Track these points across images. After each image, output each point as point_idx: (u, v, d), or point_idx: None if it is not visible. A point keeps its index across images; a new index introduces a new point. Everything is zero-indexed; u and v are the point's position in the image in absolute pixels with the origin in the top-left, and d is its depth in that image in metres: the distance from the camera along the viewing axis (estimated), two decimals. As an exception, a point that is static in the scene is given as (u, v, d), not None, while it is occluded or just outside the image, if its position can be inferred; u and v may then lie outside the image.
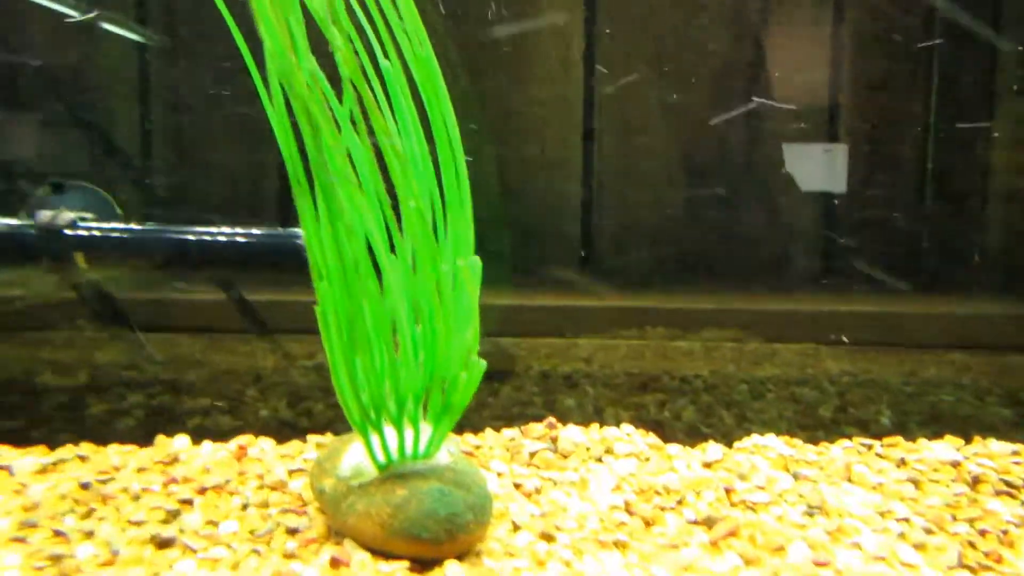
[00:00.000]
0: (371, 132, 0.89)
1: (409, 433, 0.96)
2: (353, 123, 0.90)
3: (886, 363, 2.01)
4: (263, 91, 0.90)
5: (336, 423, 1.55)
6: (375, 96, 0.89)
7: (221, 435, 1.39)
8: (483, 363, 0.96)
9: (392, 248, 0.93)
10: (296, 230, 1.30)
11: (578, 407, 1.60)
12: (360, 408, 0.94)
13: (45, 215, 1.21)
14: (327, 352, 0.95)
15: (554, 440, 1.29)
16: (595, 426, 1.37)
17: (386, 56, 0.94)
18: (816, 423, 1.58)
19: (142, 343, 1.75)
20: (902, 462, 1.22)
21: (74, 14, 1.43)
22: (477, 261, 0.97)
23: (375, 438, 0.95)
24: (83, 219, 1.24)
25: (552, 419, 1.36)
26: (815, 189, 2.16)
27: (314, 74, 0.86)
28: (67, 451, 1.21)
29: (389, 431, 0.96)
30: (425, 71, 0.94)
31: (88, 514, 1.00)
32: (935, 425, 1.57)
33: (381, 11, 0.92)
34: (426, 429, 0.99)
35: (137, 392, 1.58)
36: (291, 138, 0.90)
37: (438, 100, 0.95)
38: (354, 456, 1.00)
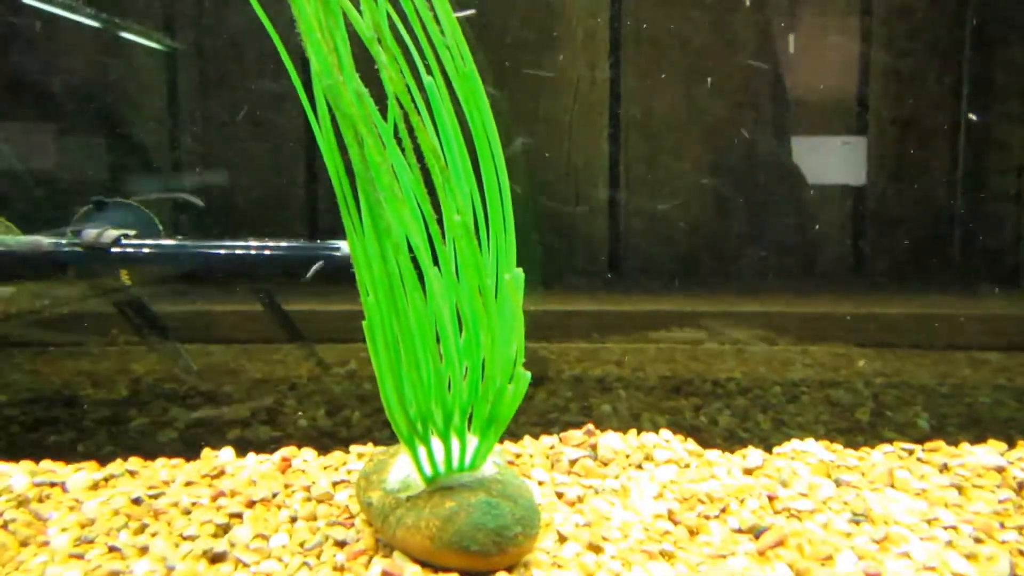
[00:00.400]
0: (416, 146, 0.90)
1: (456, 445, 0.97)
2: (398, 140, 0.90)
3: (919, 363, 2.00)
4: (310, 111, 0.91)
5: (375, 431, 1.56)
6: (419, 112, 0.90)
7: (262, 446, 1.40)
8: (528, 375, 0.96)
9: (436, 260, 0.94)
10: (333, 242, 1.31)
11: (614, 412, 1.60)
12: (408, 422, 0.95)
13: (90, 233, 1.23)
14: (374, 366, 0.96)
15: (593, 447, 1.29)
16: (633, 432, 1.37)
17: (429, 72, 0.95)
18: (854, 426, 1.57)
19: (179, 353, 1.77)
20: (945, 467, 1.21)
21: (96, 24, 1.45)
22: (520, 273, 0.98)
23: (423, 451, 0.96)
24: (126, 236, 1.26)
25: (591, 426, 1.37)
26: (833, 183, 2.15)
27: (360, 93, 0.87)
28: (117, 466, 1.23)
29: (435, 442, 0.97)
30: (468, 86, 0.95)
31: (141, 529, 1.02)
32: (975, 428, 1.56)
33: (424, 27, 0.93)
34: (471, 440, 0.99)
35: (177, 404, 1.60)
36: (337, 156, 0.91)
37: (480, 114, 0.95)
38: (401, 469, 1.01)
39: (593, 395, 1.78)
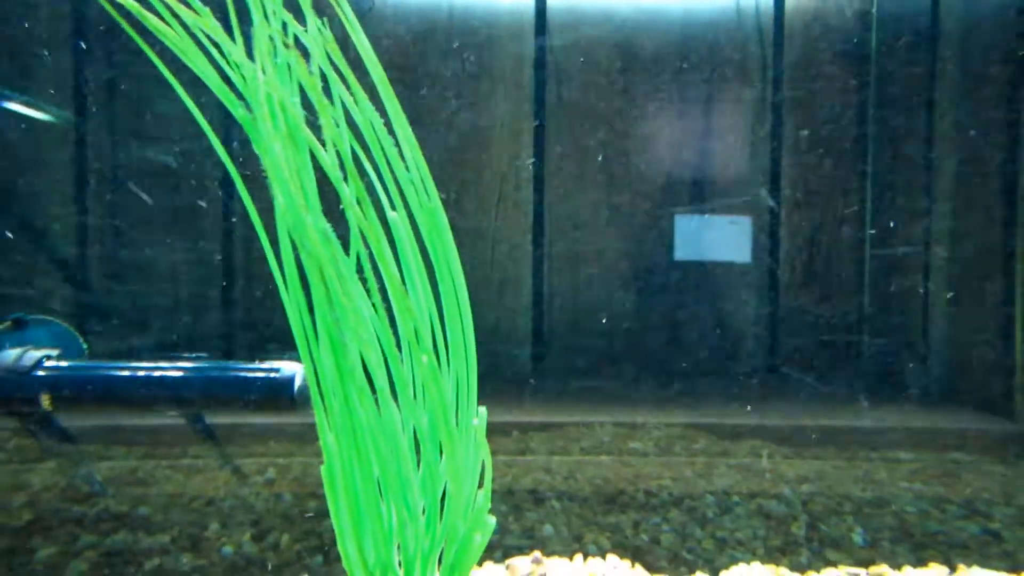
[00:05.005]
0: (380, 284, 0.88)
1: (415, 595, 0.92)
2: (363, 281, 0.88)
3: (834, 463, 2.07)
4: (270, 251, 0.88)
5: (305, 557, 1.49)
6: (382, 245, 0.88)
7: (183, 578, 1.32)
8: (493, 521, 0.93)
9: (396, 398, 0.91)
10: (276, 364, 1.26)
11: (556, 533, 1.57)
12: (367, 573, 0.90)
13: (10, 354, 1.14)
14: (332, 513, 0.91)
15: (543, 578, 1.25)
16: (579, 557, 1.34)
17: (393, 208, 0.93)
18: (792, 542, 1.59)
19: (87, 465, 1.67)
20: (891, 593, 1.23)
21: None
22: (483, 412, 0.96)
23: (380, 602, 0.91)
24: (49, 357, 1.17)
25: (538, 554, 1.33)
26: (720, 259, 2.25)
27: (326, 233, 0.85)
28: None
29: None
30: (432, 221, 0.94)
31: None
32: (907, 542, 1.59)
33: (388, 163, 0.92)
34: (430, 587, 0.95)
35: (88, 531, 1.49)
36: (300, 293, 0.88)
37: (444, 251, 0.94)
38: (355, 621, 0.95)
39: (527, 506, 1.75)
